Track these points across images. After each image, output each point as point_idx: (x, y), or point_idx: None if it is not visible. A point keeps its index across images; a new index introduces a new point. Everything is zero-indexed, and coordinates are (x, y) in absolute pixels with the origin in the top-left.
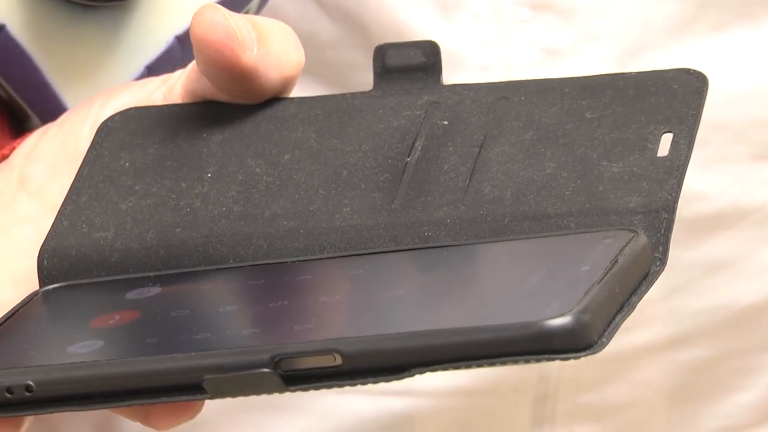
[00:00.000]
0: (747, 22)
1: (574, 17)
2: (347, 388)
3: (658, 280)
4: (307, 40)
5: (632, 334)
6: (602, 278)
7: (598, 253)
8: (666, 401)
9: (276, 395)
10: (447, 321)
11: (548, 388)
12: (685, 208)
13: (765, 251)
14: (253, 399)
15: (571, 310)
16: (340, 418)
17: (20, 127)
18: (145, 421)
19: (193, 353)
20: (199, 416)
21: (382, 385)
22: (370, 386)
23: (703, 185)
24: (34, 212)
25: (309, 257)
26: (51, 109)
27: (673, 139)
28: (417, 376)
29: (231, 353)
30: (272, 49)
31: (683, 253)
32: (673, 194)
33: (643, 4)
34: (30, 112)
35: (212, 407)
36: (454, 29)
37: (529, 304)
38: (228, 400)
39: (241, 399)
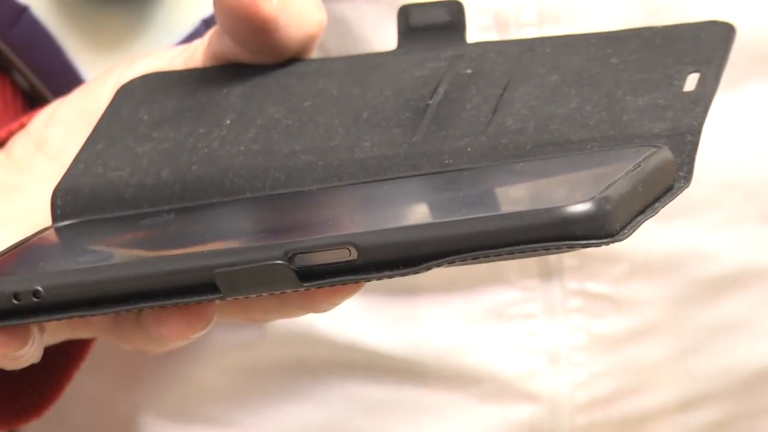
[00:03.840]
0: (757, 80)
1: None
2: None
3: (668, 342)
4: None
5: (643, 395)
6: (625, 175)
7: (622, 158)
8: None
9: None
10: (465, 214)
11: None
12: (696, 269)
13: None
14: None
15: (593, 197)
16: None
17: None
18: (156, 331)
19: (205, 251)
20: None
21: None
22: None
23: (715, 246)
24: (52, 173)
25: (328, 185)
26: None
27: (699, 78)
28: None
29: (244, 249)
30: (293, 2)
31: (694, 314)
32: (699, 120)
33: None
34: (53, 100)
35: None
36: None
37: (550, 196)
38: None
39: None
